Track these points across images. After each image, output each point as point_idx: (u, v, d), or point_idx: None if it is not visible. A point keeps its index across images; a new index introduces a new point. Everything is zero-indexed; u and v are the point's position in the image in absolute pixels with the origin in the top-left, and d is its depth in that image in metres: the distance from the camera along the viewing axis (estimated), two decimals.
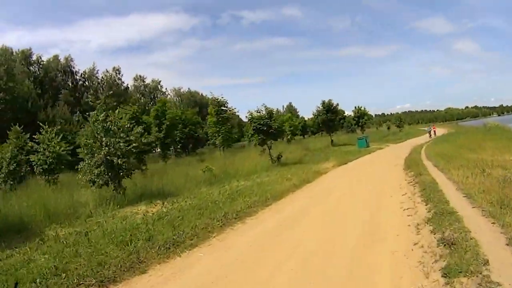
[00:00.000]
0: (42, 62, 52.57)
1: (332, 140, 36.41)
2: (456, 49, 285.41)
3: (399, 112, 64.09)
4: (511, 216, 5.11)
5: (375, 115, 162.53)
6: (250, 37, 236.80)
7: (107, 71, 59.05)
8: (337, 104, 36.70)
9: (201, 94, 76.81)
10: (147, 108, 50.40)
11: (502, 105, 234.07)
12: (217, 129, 31.72)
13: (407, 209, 7.24)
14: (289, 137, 45.44)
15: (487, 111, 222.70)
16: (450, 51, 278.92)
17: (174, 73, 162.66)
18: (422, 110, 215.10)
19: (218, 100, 31.23)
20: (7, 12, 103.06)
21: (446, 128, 59.65)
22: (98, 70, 58.71)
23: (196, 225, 6.91)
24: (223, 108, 31.24)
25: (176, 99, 76.22)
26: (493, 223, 5.02)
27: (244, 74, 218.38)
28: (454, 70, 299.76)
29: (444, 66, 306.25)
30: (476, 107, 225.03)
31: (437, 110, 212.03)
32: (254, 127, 19.89)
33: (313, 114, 38.76)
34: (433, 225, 5.49)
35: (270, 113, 20.22)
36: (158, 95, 71.00)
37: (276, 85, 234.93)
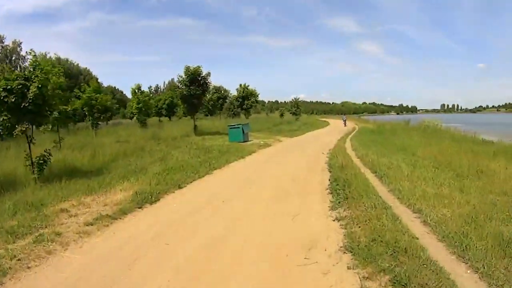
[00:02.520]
0: None
1: (195, 126, 25.28)
2: (361, 49, 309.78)
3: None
4: None
5: (268, 101, 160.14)
6: (156, 15, 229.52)
7: None
8: (208, 74, 25.41)
9: (77, 64, 65.00)
10: None
11: (402, 104, 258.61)
12: None
13: None
14: (134, 118, 33.21)
15: (385, 109, 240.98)
16: (355, 50, 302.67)
17: (76, 46, 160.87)
18: (317, 101, 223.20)
19: None
20: None
21: (352, 121, 53.96)
22: None
23: None
24: None
25: None
26: None
27: (148, 52, 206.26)
28: (357, 69, 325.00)
29: (348, 64, 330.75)
30: (374, 103, 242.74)
31: (333, 102, 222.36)
32: None
33: (174, 89, 26.72)
34: None
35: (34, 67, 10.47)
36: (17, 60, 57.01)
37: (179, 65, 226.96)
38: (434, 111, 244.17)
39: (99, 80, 56.82)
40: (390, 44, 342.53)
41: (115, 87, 71.73)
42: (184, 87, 25.41)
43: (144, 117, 32.64)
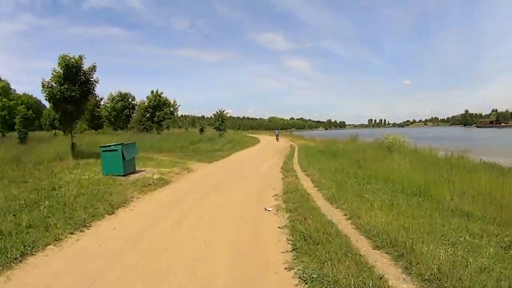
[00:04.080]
0: None
1: (73, 145, 17.84)
2: (289, 65, 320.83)
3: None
4: None
5: (193, 116, 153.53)
6: (88, 23, 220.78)
7: None
8: (92, 69, 18.24)
9: None
10: None
11: (330, 119, 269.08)
12: None
13: None
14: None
15: (314, 124, 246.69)
16: (283, 66, 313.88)
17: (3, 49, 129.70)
18: (244, 117, 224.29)
19: None
20: None
21: (285, 136, 48.83)
22: None
23: None
24: None
25: None
26: None
27: None
28: (285, 84, 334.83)
29: (276, 79, 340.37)
30: (302, 119, 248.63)
31: (260, 118, 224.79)
32: None
33: (43, 88, 18.47)
34: None
35: None
36: None
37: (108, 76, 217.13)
38: (362, 126, 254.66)
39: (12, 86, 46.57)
40: (318, 60, 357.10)
41: (31, 95, 59.29)
42: (57, 85, 17.81)
43: (24, 129, 24.08)
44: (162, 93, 35.68)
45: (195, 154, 21.41)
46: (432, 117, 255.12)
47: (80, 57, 18.03)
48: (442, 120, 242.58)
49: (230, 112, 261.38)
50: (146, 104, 35.86)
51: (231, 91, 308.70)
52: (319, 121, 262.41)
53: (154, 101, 35.00)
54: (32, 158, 15.58)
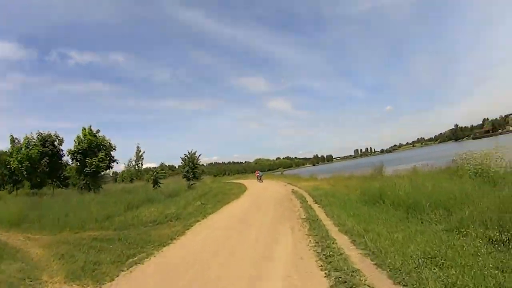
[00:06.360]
0: None
1: None
2: (271, 106, 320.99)
3: (204, 164, 33.08)
4: None
5: (178, 166, 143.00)
6: (73, 79, 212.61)
7: None
8: None
9: None
10: None
11: (317, 155, 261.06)
12: None
13: None
14: None
15: (300, 162, 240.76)
16: (265, 108, 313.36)
17: None
18: (230, 162, 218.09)
19: None
20: None
21: (278, 179, 39.48)
22: None
23: None
24: None
25: None
26: None
27: (63, 118, 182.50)
28: (268, 126, 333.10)
29: (258, 122, 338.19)
30: (288, 157, 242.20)
31: (245, 161, 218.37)
32: None
33: None
34: None
35: None
36: None
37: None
38: (350, 157, 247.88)
39: None
40: (299, 98, 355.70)
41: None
42: None
43: None
44: (98, 131, 24.55)
45: (115, 236, 10.92)
46: (418, 138, 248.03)
47: None
48: (430, 139, 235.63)
49: (216, 158, 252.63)
50: (73, 148, 24.34)
51: (214, 138, 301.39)
52: (305, 158, 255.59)
53: (85, 143, 23.79)
54: None
